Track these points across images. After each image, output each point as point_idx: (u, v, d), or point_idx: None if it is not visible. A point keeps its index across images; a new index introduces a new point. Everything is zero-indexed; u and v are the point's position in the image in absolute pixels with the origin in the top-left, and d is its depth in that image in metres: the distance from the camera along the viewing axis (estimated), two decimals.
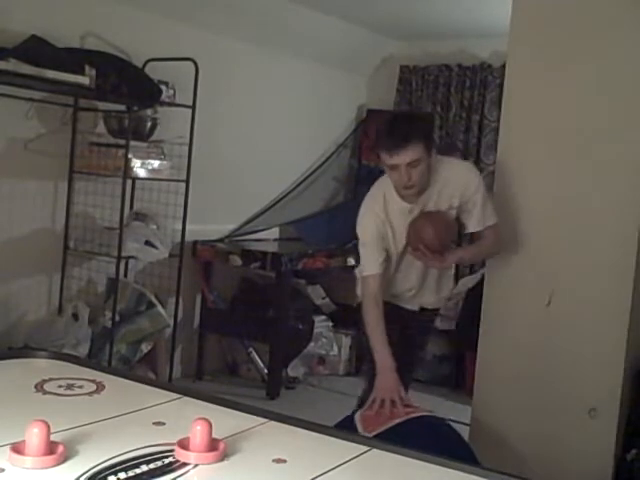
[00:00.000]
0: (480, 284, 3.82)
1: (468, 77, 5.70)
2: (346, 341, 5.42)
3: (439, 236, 2.90)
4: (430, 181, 2.89)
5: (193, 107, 4.33)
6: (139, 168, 4.11)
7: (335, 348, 5.39)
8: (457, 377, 5.14)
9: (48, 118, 4.03)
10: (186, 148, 4.36)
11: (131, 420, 1.68)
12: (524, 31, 3.26)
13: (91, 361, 3.65)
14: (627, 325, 3.03)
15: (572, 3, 3.18)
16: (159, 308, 4.34)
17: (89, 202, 4.25)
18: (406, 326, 3.12)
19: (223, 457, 1.46)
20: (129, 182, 4.19)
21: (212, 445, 1.46)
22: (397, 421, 2.66)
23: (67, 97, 4.04)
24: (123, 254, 4.07)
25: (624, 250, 3.02)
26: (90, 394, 1.84)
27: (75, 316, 4.13)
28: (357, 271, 3.21)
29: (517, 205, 3.28)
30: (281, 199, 5.52)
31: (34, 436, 1.37)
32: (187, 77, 4.31)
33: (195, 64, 4.31)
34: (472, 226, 3.01)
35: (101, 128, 4.20)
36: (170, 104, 4.28)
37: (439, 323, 5.24)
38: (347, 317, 4.92)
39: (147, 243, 4.18)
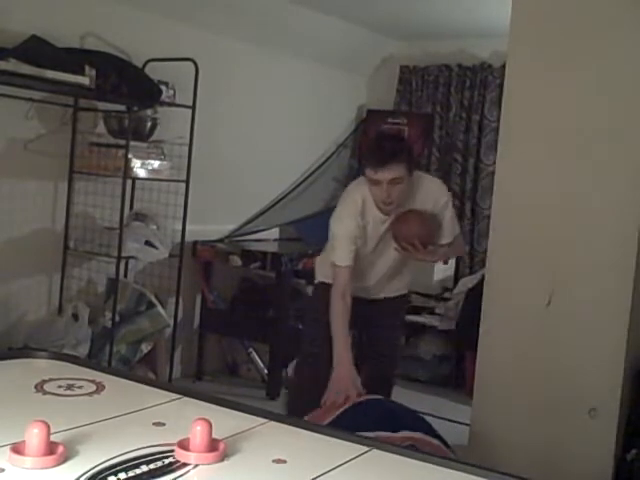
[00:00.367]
0: (480, 284, 3.82)
1: (468, 77, 5.70)
2: None
3: (431, 231, 3.10)
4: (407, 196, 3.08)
5: (193, 107, 4.33)
6: (139, 168, 4.11)
7: None
8: (457, 377, 5.14)
9: (48, 118, 4.03)
10: (186, 148, 4.36)
11: (131, 420, 1.68)
12: (524, 31, 3.26)
13: (91, 361, 3.65)
14: (627, 325, 3.03)
15: (572, 3, 3.18)
16: (159, 308, 4.34)
17: (89, 202, 4.25)
18: (370, 318, 3.16)
19: (223, 457, 1.46)
20: (129, 182, 4.20)
21: (212, 445, 1.45)
22: (342, 409, 2.70)
23: (67, 97, 4.04)
24: (123, 254, 4.07)
25: (624, 250, 3.02)
26: (90, 394, 1.84)
27: (75, 316, 4.13)
28: (318, 259, 3.39)
29: (517, 205, 3.28)
30: (281, 199, 5.52)
31: (34, 436, 1.37)
32: (187, 77, 4.31)
33: (195, 64, 4.31)
34: (445, 238, 3.21)
35: (101, 128, 4.20)
36: (170, 104, 4.28)
37: (439, 323, 5.27)
38: None
39: (147, 243, 4.18)
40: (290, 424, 1.75)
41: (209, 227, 4.95)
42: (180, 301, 4.62)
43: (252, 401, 2.26)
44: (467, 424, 3.49)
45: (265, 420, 1.75)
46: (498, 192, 3.36)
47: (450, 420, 4.25)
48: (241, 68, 5.14)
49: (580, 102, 3.12)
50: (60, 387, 1.86)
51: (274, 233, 5.52)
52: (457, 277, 5.61)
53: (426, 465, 1.57)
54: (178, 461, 1.43)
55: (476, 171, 5.66)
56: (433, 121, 5.82)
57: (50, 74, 3.55)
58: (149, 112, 4.25)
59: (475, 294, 4.32)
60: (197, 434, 1.44)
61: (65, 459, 1.40)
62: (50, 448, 1.39)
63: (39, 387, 1.85)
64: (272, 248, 5.12)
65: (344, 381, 2.85)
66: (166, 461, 1.43)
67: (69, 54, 3.81)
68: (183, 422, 1.54)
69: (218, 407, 1.83)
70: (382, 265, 3.23)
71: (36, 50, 3.63)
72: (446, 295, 5.40)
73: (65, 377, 1.94)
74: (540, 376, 3.20)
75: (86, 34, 4.11)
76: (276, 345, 4.78)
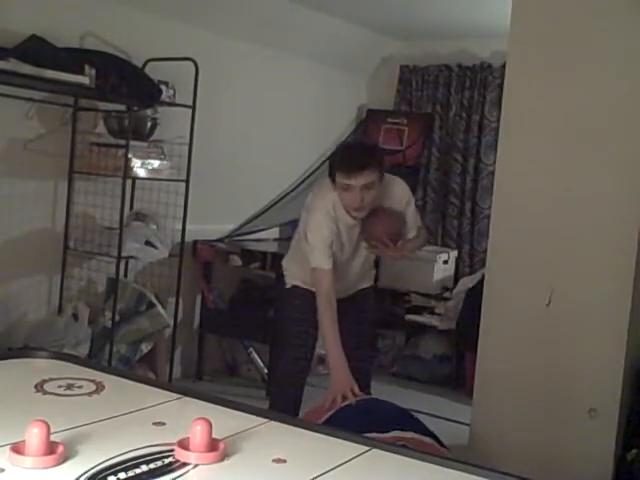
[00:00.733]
0: (480, 284, 3.82)
1: (468, 77, 5.70)
2: None
3: (399, 227, 3.19)
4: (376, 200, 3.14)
5: (193, 107, 4.33)
6: (139, 168, 4.11)
7: None
8: (457, 377, 5.13)
9: (48, 118, 4.03)
10: (186, 148, 4.36)
11: (131, 420, 1.68)
12: (524, 31, 3.27)
13: (91, 361, 3.65)
14: (627, 325, 3.03)
15: (572, 3, 3.18)
16: (159, 308, 4.34)
17: (89, 202, 4.25)
18: (345, 314, 3.21)
19: (223, 457, 1.46)
20: (129, 182, 4.20)
21: (212, 445, 1.45)
22: (330, 412, 2.73)
23: (67, 97, 4.04)
24: (123, 254, 4.07)
25: (624, 250, 3.02)
26: (90, 394, 1.84)
27: (75, 316, 4.13)
28: (285, 264, 3.50)
29: (517, 205, 3.28)
30: (281, 199, 5.52)
31: (34, 436, 1.37)
32: (187, 77, 4.31)
33: (195, 64, 4.31)
34: (410, 232, 3.29)
35: (101, 128, 4.20)
36: (170, 104, 4.28)
37: (439, 323, 5.27)
38: None
39: (147, 243, 4.18)
40: (290, 424, 1.76)
41: (209, 227, 4.95)
42: (180, 301, 4.62)
43: (252, 401, 2.26)
44: (467, 424, 3.49)
45: (265, 420, 1.75)
46: (498, 192, 3.36)
47: (450, 420, 4.25)
48: (241, 68, 5.14)
49: (580, 102, 3.12)
50: (60, 387, 1.86)
51: (274, 233, 5.52)
52: (457, 277, 5.61)
53: (426, 465, 1.57)
54: (178, 461, 1.43)
55: (476, 171, 5.66)
56: (433, 121, 5.82)
57: (50, 74, 3.55)
58: (149, 112, 4.25)
59: (475, 294, 4.32)
60: (197, 434, 1.44)
61: (65, 459, 1.40)
62: (50, 448, 1.39)
63: (39, 387, 1.85)
64: (272, 248, 5.11)
65: (342, 384, 2.88)
66: (166, 461, 1.43)
67: (69, 54, 3.81)
68: (183, 422, 1.54)
69: (218, 407, 1.83)
70: (356, 265, 3.30)
71: (36, 50, 3.63)
72: (446, 295, 5.39)
73: (65, 377, 1.94)
74: (540, 376, 3.21)
75: (86, 34, 4.11)
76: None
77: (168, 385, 2.41)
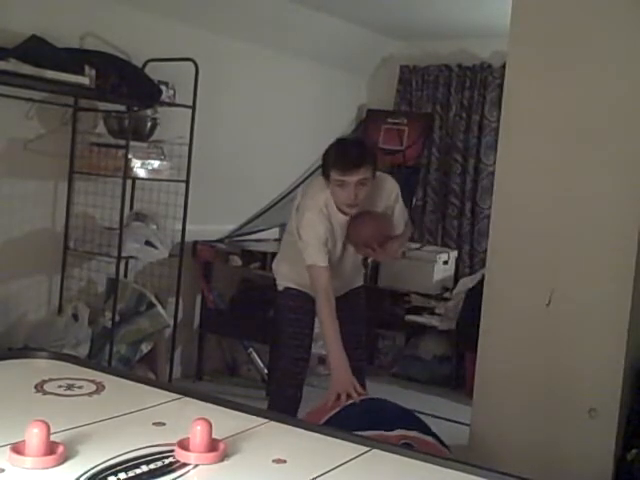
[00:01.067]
0: (480, 284, 3.82)
1: (468, 77, 5.70)
2: None
3: (386, 229, 3.18)
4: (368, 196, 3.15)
5: (193, 107, 4.33)
6: (139, 168, 4.11)
7: None
8: (457, 377, 5.13)
9: (48, 118, 4.03)
10: (186, 148, 4.36)
11: (131, 420, 1.68)
12: (524, 31, 3.27)
13: (91, 361, 3.66)
14: (627, 325, 3.03)
15: (572, 3, 3.18)
16: (159, 308, 4.34)
17: (89, 202, 4.25)
18: (339, 314, 3.21)
19: (223, 457, 1.46)
20: (129, 182, 4.20)
21: (212, 445, 1.45)
22: (336, 410, 2.73)
23: (67, 97, 4.04)
24: (123, 254, 4.07)
25: (624, 250, 3.02)
26: (90, 394, 1.84)
27: (75, 316, 4.13)
28: (276, 267, 3.44)
29: (517, 205, 3.28)
30: (281, 199, 5.52)
31: (34, 436, 1.37)
32: (187, 77, 4.31)
33: (195, 64, 4.31)
34: (398, 229, 3.29)
35: (101, 128, 4.20)
36: (170, 104, 4.28)
37: (439, 323, 5.28)
38: None
39: (147, 243, 4.18)
40: (290, 424, 1.76)
41: (209, 227, 4.95)
42: (180, 301, 4.62)
43: (252, 401, 2.27)
44: (467, 424, 3.49)
45: (265, 420, 1.75)
46: (498, 192, 3.36)
47: (450, 420, 4.25)
48: (241, 68, 5.14)
49: (580, 102, 3.12)
50: (60, 387, 1.86)
51: (274, 233, 5.51)
52: (457, 277, 5.61)
53: (426, 465, 1.57)
54: (178, 461, 1.43)
55: (476, 171, 5.66)
56: (433, 121, 5.82)
57: (50, 74, 3.55)
58: (149, 112, 4.25)
59: (475, 294, 4.32)
60: (197, 434, 1.44)
61: (65, 459, 1.40)
62: (50, 448, 1.39)
63: (39, 387, 1.85)
64: (272, 248, 5.09)
65: (344, 382, 2.88)
66: (166, 461, 1.43)
67: (69, 54, 3.81)
68: (183, 422, 1.54)
69: (218, 407, 1.83)
70: (347, 262, 3.30)
71: (36, 50, 3.63)
72: (446, 295, 5.39)
73: (65, 377, 1.94)
74: (540, 376, 3.21)
75: (86, 34, 4.11)
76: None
77: (168, 385, 2.42)
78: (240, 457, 1.50)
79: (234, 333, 5.04)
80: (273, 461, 1.49)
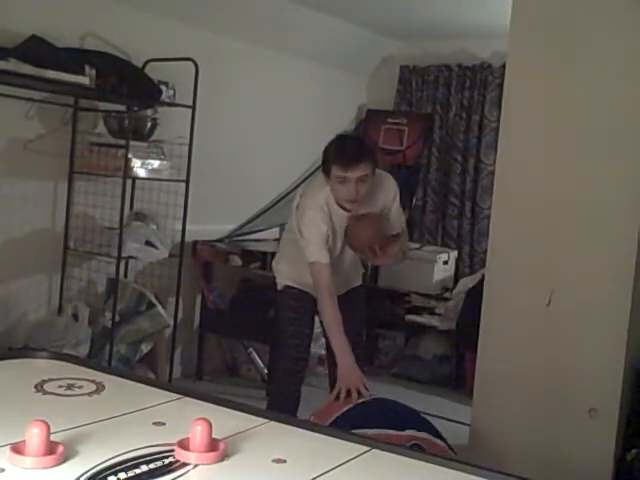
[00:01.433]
0: (480, 284, 3.82)
1: (468, 77, 5.70)
2: None
3: (386, 232, 3.17)
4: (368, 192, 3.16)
5: (193, 107, 4.33)
6: (139, 168, 4.10)
7: None
8: (457, 377, 5.13)
9: (48, 118, 4.03)
10: (186, 148, 4.36)
11: (131, 420, 1.69)
12: (524, 31, 3.27)
13: (91, 361, 3.65)
14: (627, 325, 3.03)
15: (572, 3, 3.18)
16: (159, 308, 4.34)
17: (89, 202, 4.25)
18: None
19: (223, 457, 1.47)
20: (129, 182, 4.19)
21: (212, 445, 1.46)
22: (346, 408, 2.73)
23: (67, 97, 4.04)
24: (123, 254, 4.07)
25: (624, 250, 3.02)
26: (90, 394, 1.84)
27: (75, 316, 4.13)
28: (275, 265, 3.42)
29: (517, 205, 3.28)
30: (281, 199, 5.52)
31: (34, 436, 1.37)
32: (187, 77, 4.31)
33: (195, 64, 4.31)
34: (395, 229, 3.27)
35: (101, 128, 4.20)
36: (170, 104, 4.28)
37: (439, 323, 5.27)
38: None
39: (147, 243, 4.18)
40: (290, 424, 1.76)
41: (209, 227, 4.95)
42: (180, 301, 4.62)
43: (252, 401, 2.26)
44: (467, 424, 3.49)
45: (265, 420, 1.75)
46: (498, 192, 3.36)
47: (450, 420, 4.25)
48: (241, 68, 5.14)
49: (580, 102, 3.12)
50: (60, 387, 1.86)
51: (274, 233, 5.51)
52: (457, 277, 5.61)
53: (426, 465, 1.57)
54: (178, 461, 1.43)
55: (476, 171, 5.66)
56: (433, 121, 5.82)
57: (50, 74, 3.56)
58: (149, 112, 4.25)
59: (475, 294, 4.32)
60: (197, 434, 1.44)
61: (65, 459, 1.40)
62: (50, 448, 1.39)
63: (39, 387, 1.85)
64: (272, 248, 5.09)
65: (351, 378, 2.88)
66: (166, 461, 1.43)
67: (69, 54, 3.81)
68: (183, 422, 1.54)
69: (218, 407, 1.83)
70: (347, 260, 3.30)
71: (36, 50, 3.63)
72: (446, 295, 5.39)
73: (65, 377, 1.94)
74: (540, 376, 3.20)
75: (86, 34, 4.11)
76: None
77: (168, 385, 2.42)
78: (240, 457, 1.50)
79: (234, 333, 5.04)
80: (273, 461, 1.49)
